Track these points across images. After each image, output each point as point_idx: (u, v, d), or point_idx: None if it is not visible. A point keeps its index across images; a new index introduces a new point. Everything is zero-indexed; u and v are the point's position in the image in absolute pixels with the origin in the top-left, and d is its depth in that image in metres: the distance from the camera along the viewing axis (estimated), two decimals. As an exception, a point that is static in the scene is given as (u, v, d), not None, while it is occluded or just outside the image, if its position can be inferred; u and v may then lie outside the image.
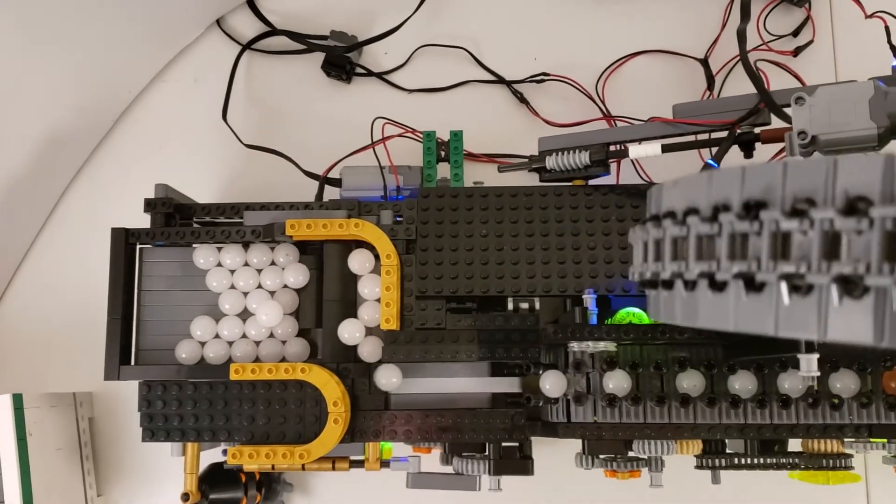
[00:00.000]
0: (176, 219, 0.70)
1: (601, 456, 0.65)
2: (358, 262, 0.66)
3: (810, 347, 0.46)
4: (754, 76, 0.63)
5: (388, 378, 0.64)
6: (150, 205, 0.70)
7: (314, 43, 0.82)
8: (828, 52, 0.82)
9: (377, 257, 0.66)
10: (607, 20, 0.84)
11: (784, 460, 0.66)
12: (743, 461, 0.66)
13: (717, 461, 0.66)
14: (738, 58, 0.78)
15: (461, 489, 0.67)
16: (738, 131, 0.63)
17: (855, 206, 0.29)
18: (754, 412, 0.62)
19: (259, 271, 0.69)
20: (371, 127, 0.76)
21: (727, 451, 0.67)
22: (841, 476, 0.65)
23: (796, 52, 0.80)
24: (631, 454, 0.65)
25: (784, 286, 0.30)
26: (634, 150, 0.66)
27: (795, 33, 0.81)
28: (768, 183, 0.31)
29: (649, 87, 0.82)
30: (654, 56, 0.83)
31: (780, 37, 0.81)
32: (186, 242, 0.69)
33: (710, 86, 0.79)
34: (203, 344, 0.68)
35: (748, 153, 0.64)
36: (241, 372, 0.63)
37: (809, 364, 0.45)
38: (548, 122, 0.81)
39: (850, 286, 0.29)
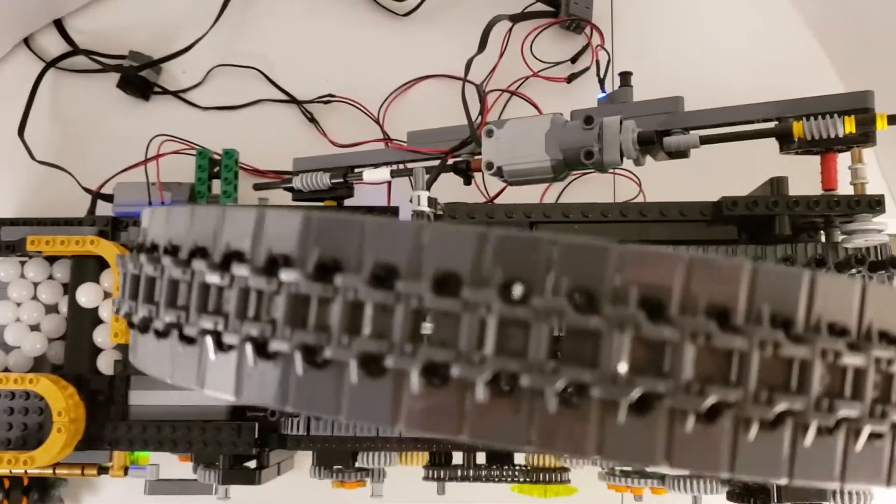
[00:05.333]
0: (-57, 233, 0.73)
1: (333, 467, 0.68)
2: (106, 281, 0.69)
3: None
4: (466, 106, 0.65)
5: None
6: (-88, 219, 0.73)
7: (107, 63, 0.85)
8: (606, 78, 0.84)
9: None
10: (399, 43, 0.87)
11: (505, 473, 0.68)
12: (466, 473, 0.69)
13: (441, 472, 0.69)
14: (520, 84, 0.82)
15: (197, 494, 0.71)
16: (453, 160, 0.66)
17: (228, 261, 0.30)
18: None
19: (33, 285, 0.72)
20: (147, 145, 0.78)
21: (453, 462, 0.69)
22: (557, 489, 0.68)
23: (570, 78, 0.83)
24: (358, 465, 0.68)
25: (209, 341, 0.32)
26: (368, 175, 0.69)
27: (574, 59, 0.84)
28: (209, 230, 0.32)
29: (434, 110, 0.85)
30: (440, 80, 0.86)
31: (557, 63, 0.84)
32: (-53, 256, 0.72)
33: (483, 112, 0.82)
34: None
35: (467, 181, 0.67)
36: (-27, 381, 0.66)
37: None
38: (332, 143, 0.84)
39: (221, 343, 0.30)
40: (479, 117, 0.82)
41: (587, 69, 0.84)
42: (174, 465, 0.74)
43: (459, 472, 0.68)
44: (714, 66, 0.84)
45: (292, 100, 0.86)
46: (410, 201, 0.56)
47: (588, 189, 0.83)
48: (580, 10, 0.81)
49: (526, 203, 0.60)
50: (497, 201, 0.77)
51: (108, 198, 0.78)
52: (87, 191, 0.80)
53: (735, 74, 0.83)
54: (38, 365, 0.72)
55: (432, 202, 0.58)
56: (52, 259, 0.72)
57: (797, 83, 0.83)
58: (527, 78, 0.83)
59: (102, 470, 0.71)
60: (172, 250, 0.32)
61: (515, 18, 0.78)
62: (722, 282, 0.27)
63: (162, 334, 0.32)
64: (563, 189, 0.83)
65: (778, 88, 0.65)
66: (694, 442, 0.27)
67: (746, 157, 0.68)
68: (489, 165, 0.60)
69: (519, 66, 0.83)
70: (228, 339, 0.31)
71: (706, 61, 0.84)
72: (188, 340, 0.31)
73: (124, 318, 0.36)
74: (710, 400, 0.27)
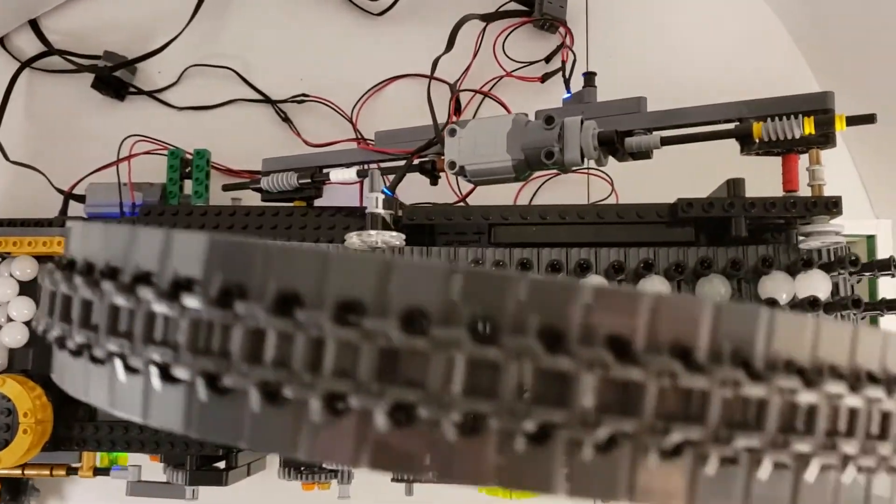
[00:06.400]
0: None
1: (300, 468, 0.68)
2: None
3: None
4: (431, 106, 0.65)
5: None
6: None
7: (82, 64, 0.85)
8: (579, 78, 0.84)
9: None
10: (374, 43, 0.87)
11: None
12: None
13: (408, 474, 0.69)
14: (493, 84, 0.82)
15: (173, 497, 0.71)
16: (419, 160, 0.66)
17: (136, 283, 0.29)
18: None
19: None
20: (119, 145, 0.78)
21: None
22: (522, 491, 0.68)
23: (544, 78, 0.82)
24: (326, 466, 0.68)
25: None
26: (335, 175, 0.69)
27: (548, 59, 0.84)
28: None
29: (408, 110, 0.84)
30: (414, 80, 0.85)
31: (531, 63, 0.83)
32: (-83, 255, 0.72)
33: (457, 111, 0.82)
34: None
35: (433, 181, 0.67)
36: (-61, 381, 0.66)
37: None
38: (306, 143, 0.84)
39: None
40: (451, 117, 0.82)
41: (560, 69, 0.83)
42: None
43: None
44: (690, 67, 0.84)
45: (266, 99, 0.86)
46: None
47: (563, 190, 0.83)
48: (554, 10, 0.81)
49: (483, 205, 0.60)
50: (469, 201, 0.77)
51: (81, 198, 0.78)
52: (60, 191, 0.80)
53: (711, 76, 0.83)
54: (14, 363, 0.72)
55: (393, 203, 0.58)
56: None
57: (774, 85, 0.83)
58: (500, 78, 0.83)
59: (72, 470, 0.71)
60: (87, 269, 0.31)
61: (487, 18, 0.78)
62: (683, 320, 0.27)
63: (76, 353, 0.32)
64: (538, 189, 0.83)
65: (754, 90, 0.64)
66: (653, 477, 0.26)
67: (725, 157, 0.68)
68: (452, 165, 0.60)
69: (494, 66, 0.83)
70: (134, 362, 0.30)
71: (682, 63, 0.84)
72: (99, 361, 0.31)
73: (42, 335, 0.36)
74: (675, 437, 0.26)
